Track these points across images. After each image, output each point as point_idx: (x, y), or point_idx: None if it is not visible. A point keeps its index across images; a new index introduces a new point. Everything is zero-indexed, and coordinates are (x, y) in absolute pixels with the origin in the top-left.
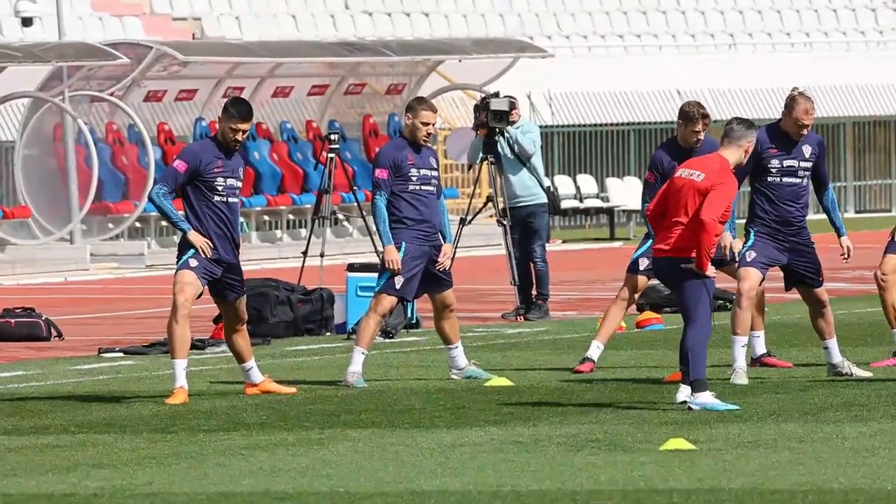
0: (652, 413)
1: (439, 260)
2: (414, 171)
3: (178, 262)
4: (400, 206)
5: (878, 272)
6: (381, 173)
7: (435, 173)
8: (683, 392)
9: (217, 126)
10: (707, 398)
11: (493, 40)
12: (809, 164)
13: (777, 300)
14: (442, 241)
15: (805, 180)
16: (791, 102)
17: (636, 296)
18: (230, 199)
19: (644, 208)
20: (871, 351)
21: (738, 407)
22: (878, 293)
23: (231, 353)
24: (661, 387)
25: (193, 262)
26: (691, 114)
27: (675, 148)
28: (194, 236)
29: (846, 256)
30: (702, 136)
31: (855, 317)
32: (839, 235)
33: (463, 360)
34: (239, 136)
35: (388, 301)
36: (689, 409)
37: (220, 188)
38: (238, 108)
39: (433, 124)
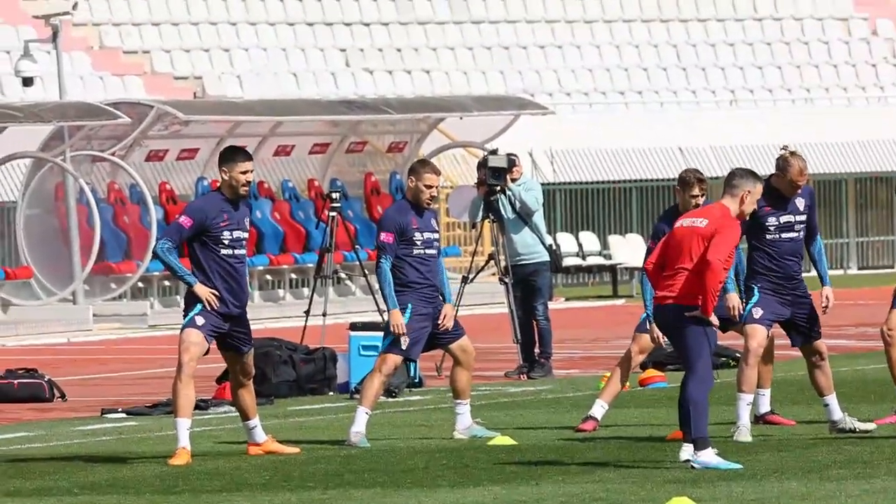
0: (655, 471)
1: (440, 322)
2: (418, 235)
3: (184, 319)
4: (405, 269)
5: (884, 328)
6: (386, 237)
7: (437, 235)
8: (686, 450)
9: (221, 178)
10: (709, 456)
11: (494, 97)
12: (804, 217)
13: (781, 358)
14: (442, 302)
15: (801, 233)
16: (784, 164)
17: (642, 356)
18: (237, 252)
19: (644, 273)
20: (874, 408)
21: (740, 466)
22: (882, 349)
23: (236, 410)
24: (664, 445)
25: (200, 320)
26: (687, 179)
27: (675, 216)
28: (200, 288)
29: (825, 307)
30: (700, 201)
31: (857, 373)
32: (822, 284)
33: (468, 419)
34: (249, 178)
35: (394, 361)
36: (692, 467)
37: (226, 241)
38: (240, 152)
39: (436, 187)
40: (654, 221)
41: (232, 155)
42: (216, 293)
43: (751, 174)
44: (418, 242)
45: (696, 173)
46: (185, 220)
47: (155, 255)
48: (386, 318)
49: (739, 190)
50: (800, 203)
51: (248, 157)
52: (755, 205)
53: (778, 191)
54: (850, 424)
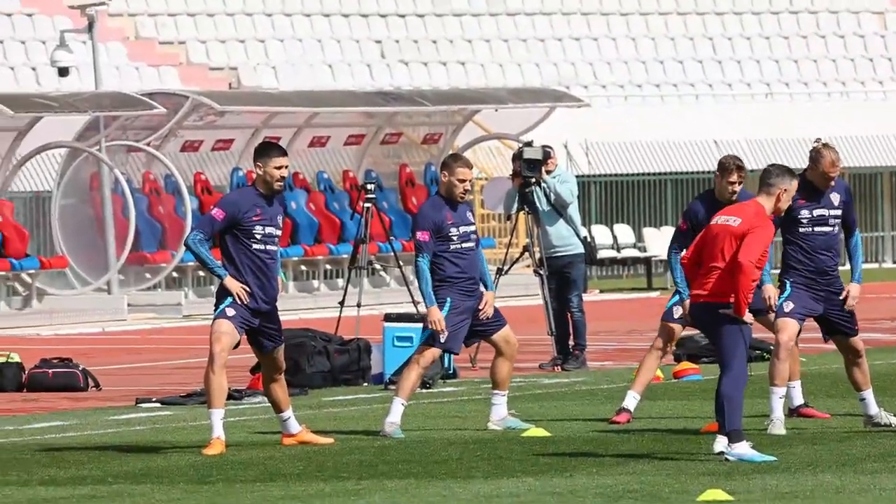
0: (689, 464)
1: (481, 308)
2: (454, 231)
3: (215, 311)
4: (443, 265)
5: None
6: (422, 236)
7: (472, 227)
8: (720, 443)
9: (255, 173)
10: (744, 449)
11: (529, 89)
12: (839, 212)
13: (814, 351)
14: (484, 291)
15: (836, 228)
16: (817, 155)
17: (671, 345)
18: (269, 247)
19: (670, 253)
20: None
21: (774, 458)
22: None
23: (269, 403)
24: (699, 437)
25: (230, 312)
26: (727, 164)
27: (711, 200)
28: (231, 282)
29: (843, 299)
30: (737, 189)
31: (893, 367)
32: (851, 280)
33: (504, 410)
34: (284, 174)
35: (432, 353)
36: (726, 459)
37: (258, 236)
38: (275, 147)
39: (469, 180)
40: None
41: (267, 150)
42: (246, 288)
43: (787, 171)
44: (454, 237)
45: (736, 160)
46: (217, 213)
47: (186, 247)
48: (422, 309)
49: (776, 188)
50: (834, 198)
51: (283, 153)
52: (790, 201)
53: (812, 184)
54: (886, 419)
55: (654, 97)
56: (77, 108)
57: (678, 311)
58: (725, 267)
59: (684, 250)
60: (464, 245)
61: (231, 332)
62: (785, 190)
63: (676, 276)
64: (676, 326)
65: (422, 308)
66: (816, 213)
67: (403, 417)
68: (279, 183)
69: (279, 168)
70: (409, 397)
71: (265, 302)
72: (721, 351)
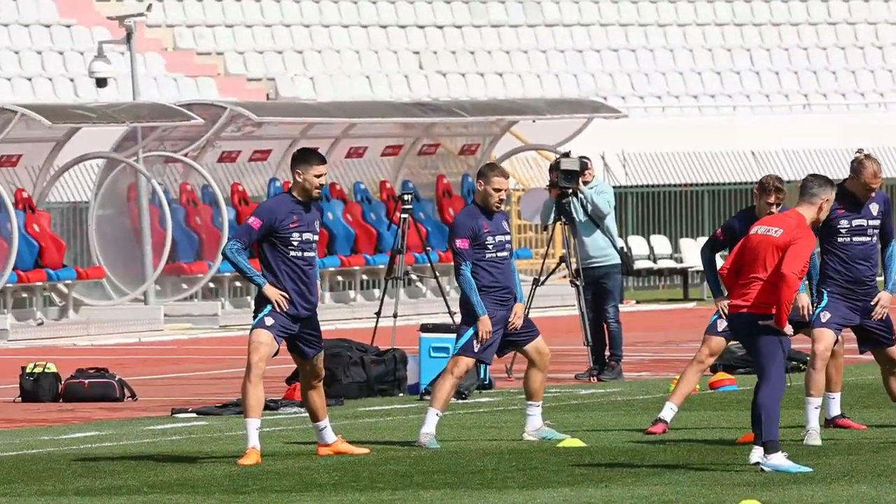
0: (724, 474)
1: (511, 320)
2: (490, 239)
3: (254, 320)
4: (478, 273)
5: None
6: (462, 244)
7: (508, 237)
8: (756, 453)
9: (293, 180)
10: (780, 460)
11: (566, 101)
12: (878, 223)
13: (851, 361)
14: (515, 302)
15: (874, 238)
16: (858, 166)
17: (713, 358)
18: (306, 254)
19: (703, 253)
20: None
21: (810, 469)
22: None
23: (306, 411)
24: (734, 448)
25: (269, 321)
26: (766, 185)
27: (750, 218)
28: (270, 290)
29: (874, 305)
30: (775, 210)
31: None
32: (884, 288)
33: (538, 420)
34: (322, 181)
35: (466, 363)
36: (762, 470)
37: (295, 243)
38: (314, 155)
39: (505, 190)
40: None
41: (306, 157)
42: (286, 295)
43: (827, 181)
44: (490, 246)
45: (776, 181)
46: (254, 222)
47: (224, 256)
48: (457, 319)
49: (818, 199)
50: (873, 208)
51: (323, 161)
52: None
53: (852, 194)
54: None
55: (691, 108)
56: (115, 119)
57: (722, 325)
58: (768, 278)
59: (717, 255)
60: (499, 254)
61: (269, 343)
62: (826, 200)
63: (712, 277)
64: (720, 339)
65: (458, 318)
66: (855, 223)
67: (438, 428)
68: (318, 191)
69: (318, 176)
70: (444, 407)
71: (305, 308)
72: (759, 360)
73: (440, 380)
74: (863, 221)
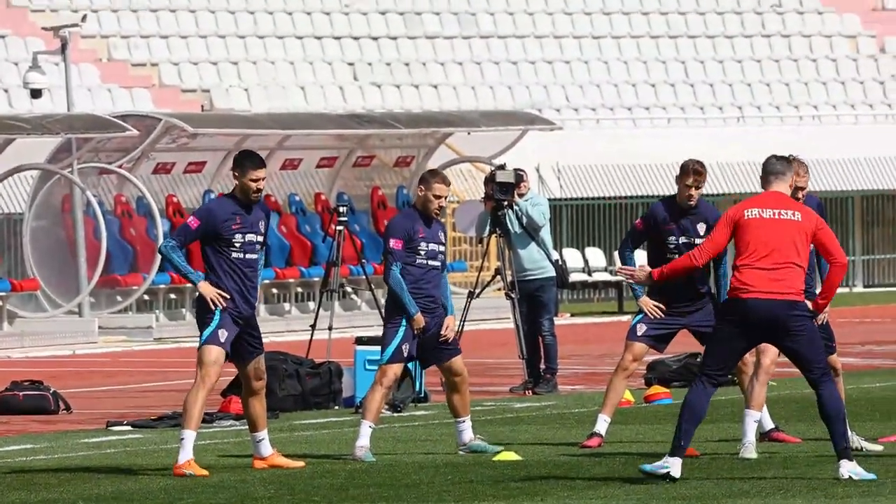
0: (660, 488)
1: (442, 332)
2: (423, 245)
3: (202, 334)
4: (405, 278)
5: None
6: (395, 244)
7: (442, 248)
8: (847, 467)
9: (235, 183)
10: (855, 465)
11: (501, 113)
12: None
13: (786, 374)
14: (444, 314)
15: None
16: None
17: (636, 364)
18: (248, 255)
19: (623, 252)
20: (880, 426)
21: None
22: (892, 367)
23: (245, 421)
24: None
25: (222, 335)
26: (685, 166)
27: (672, 205)
28: (205, 286)
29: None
30: (693, 193)
31: (863, 391)
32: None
33: (469, 434)
34: (260, 185)
35: (394, 371)
36: (851, 479)
37: (237, 244)
38: (252, 158)
39: (445, 197)
40: None
41: (244, 161)
42: (224, 294)
43: (787, 158)
44: (422, 252)
45: (696, 164)
46: (192, 221)
47: (160, 253)
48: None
49: (788, 174)
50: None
51: (262, 164)
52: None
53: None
54: (858, 443)
55: (625, 120)
56: (49, 130)
57: (642, 329)
58: (803, 264)
59: (636, 249)
60: (429, 262)
61: (219, 361)
62: (794, 174)
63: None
64: (641, 345)
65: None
66: None
67: (374, 441)
68: (255, 195)
69: (255, 180)
70: (377, 419)
71: (246, 307)
72: (811, 354)
73: (370, 392)
74: None
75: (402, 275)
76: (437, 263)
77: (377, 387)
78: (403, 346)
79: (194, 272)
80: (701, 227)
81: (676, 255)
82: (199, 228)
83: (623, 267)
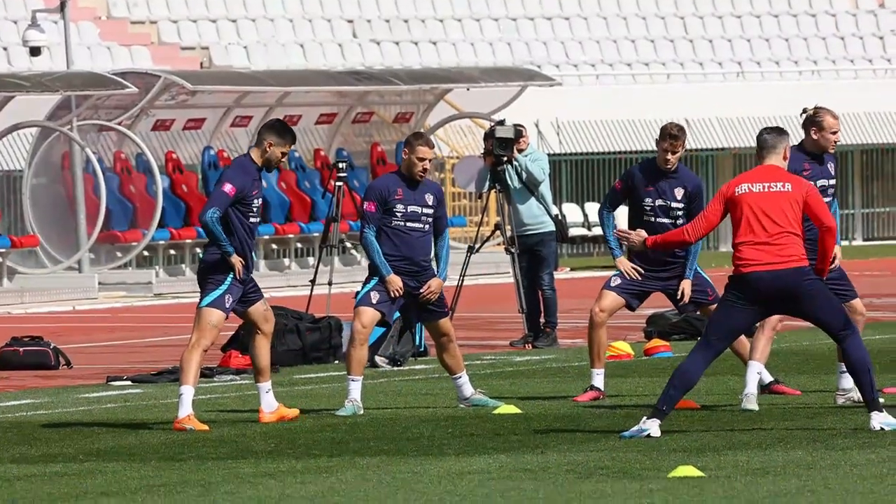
0: (660, 440)
1: (422, 292)
2: (400, 207)
3: (208, 294)
4: (381, 239)
5: None
6: (369, 206)
7: (428, 210)
8: (878, 418)
9: (260, 147)
10: (886, 416)
11: (500, 69)
12: (835, 182)
13: (786, 328)
14: (430, 276)
15: (834, 199)
16: (819, 119)
17: (605, 314)
18: (258, 219)
19: (601, 212)
20: (880, 378)
21: None
22: (894, 320)
23: (252, 370)
24: (670, 414)
25: (228, 301)
26: (662, 129)
27: (651, 167)
28: (236, 260)
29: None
30: (669, 157)
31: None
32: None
33: (469, 388)
34: (285, 158)
35: (368, 314)
36: (882, 429)
37: (255, 208)
38: (290, 132)
39: (430, 160)
40: None
41: (281, 132)
42: (242, 261)
43: (780, 129)
44: (398, 214)
45: (674, 128)
46: (229, 189)
47: (203, 224)
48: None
49: (780, 147)
50: (831, 167)
51: (294, 139)
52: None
53: (811, 154)
54: (858, 395)
55: (625, 76)
56: (48, 88)
57: (616, 281)
58: (798, 232)
59: (615, 209)
60: (407, 224)
61: (219, 325)
62: (787, 146)
63: (608, 234)
64: (613, 295)
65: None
66: (820, 183)
67: (376, 395)
68: (278, 164)
69: (285, 154)
70: (361, 372)
71: (251, 268)
72: (826, 313)
73: (349, 348)
74: (825, 182)
75: (379, 238)
76: (420, 225)
77: (355, 336)
78: (372, 294)
79: (229, 243)
80: (678, 192)
81: (652, 218)
82: (234, 195)
83: (622, 230)
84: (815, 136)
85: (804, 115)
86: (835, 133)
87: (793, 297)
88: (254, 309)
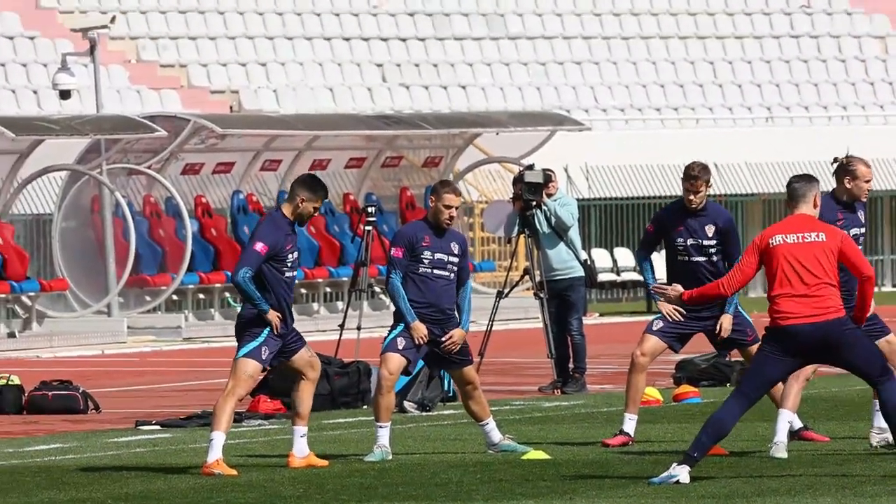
0: (689, 486)
1: (445, 342)
2: (427, 254)
3: (245, 345)
4: (407, 286)
5: None
6: (396, 252)
7: (454, 259)
8: None
9: (293, 202)
10: None
11: (530, 113)
12: (865, 230)
13: (817, 374)
14: (453, 326)
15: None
16: (852, 168)
17: (647, 358)
18: (294, 273)
19: (639, 259)
20: None
21: None
22: None
23: (292, 410)
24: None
25: (265, 352)
26: (686, 170)
27: (680, 208)
28: (273, 316)
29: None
30: (692, 198)
31: None
32: None
33: (497, 434)
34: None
35: (395, 360)
36: None
37: (289, 263)
38: (322, 186)
39: (456, 207)
40: None
41: (318, 188)
42: (280, 316)
43: (810, 177)
44: (425, 261)
45: (696, 168)
46: (261, 248)
47: (236, 284)
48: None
49: (811, 195)
50: (861, 215)
51: (326, 194)
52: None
53: (843, 202)
54: (891, 440)
55: (654, 121)
56: (78, 131)
57: (658, 325)
58: (833, 282)
59: (652, 252)
60: (434, 271)
61: (256, 376)
62: (818, 195)
63: (648, 277)
64: (655, 339)
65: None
66: (853, 232)
67: (404, 440)
68: (308, 219)
69: (317, 208)
70: (388, 418)
71: (289, 320)
72: (869, 360)
73: (376, 394)
74: (857, 231)
75: (405, 283)
76: (446, 273)
77: (381, 389)
78: (398, 340)
79: (265, 301)
80: (709, 229)
81: (686, 258)
82: (267, 254)
83: (657, 285)
84: (848, 185)
85: (836, 164)
86: (868, 182)
87: (832, 348)
88: (297, 357)
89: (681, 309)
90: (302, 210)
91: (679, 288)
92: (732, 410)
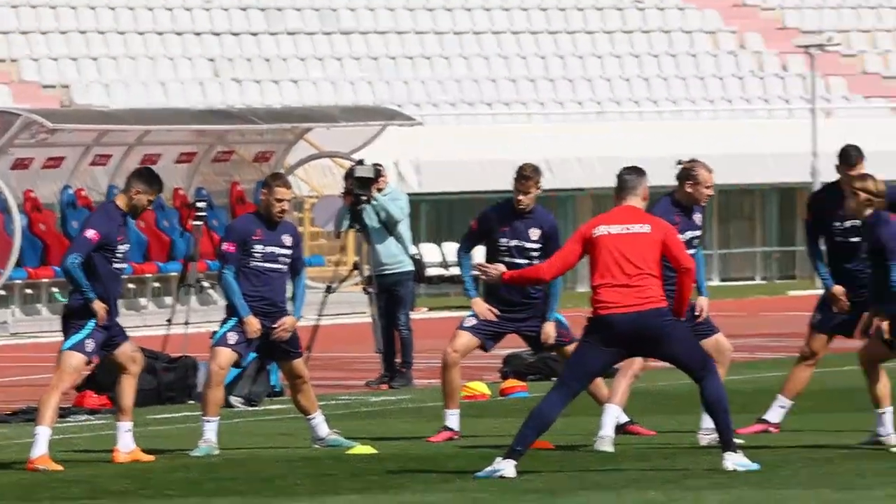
0: (515, 481)
1: (276, 331)
2: (259, 248)
3: (71, 338)
4: (240, 280)
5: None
6: (228, 247)
7: (286, 251)
8: (732, 459)
9: (126, 194)
10: (741, 457)
11: (361, 108)
12: (701, 232)
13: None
14: (285, 315)
15: (699, 249)
16: (693, 173)
17: (458, 355)
18: (124, 266)
19: (460, 254)
20: (735, 419)
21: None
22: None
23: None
24: (526, 454)
25: (89, 345)
26: (517, 170)
27: (507, 207)
28: (98, 305)
29: (698, 316)
30: (523, 198)
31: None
32: (699, 294)
33: (324, 429)
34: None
35: (224, 355)
36: (735, 471)
37: (119, 254)
38: (158, 180)
39: (288, 200)
40: None
41: (150, 180)
42: (105, 307)
43: (641, 170)
44: (257, 255)
45: (528, 169)
46: (93, 235)
47: (65, 269)
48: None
49: (641, 187)
50: (697, 219)
51: (161, 188)
52: None
53: (682, 206)
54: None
55: (485, 116)
56: None
57: (471, 322)
58: (656, 273)
59: (472, 249)
60: (265, 265)
61: (79, 369)
62: (646, 186)
63: (465, 274)
64: (467, 335)
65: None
66: (687, 235)
67: (230, 435)
68: (142, 211)
69: (151, 202)
70: (217, 413)
71: (114, 313)
72: (688, 352)
73: (205, 389)
74: (692, 233)
75: (238, 277)
76: (278, 266)
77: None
78: (229, 335)
79: (91, 290)
80: (533, 233)
81: (507, 258)
82: (98, 241)
83: (481, 264)
84: (689, 190)
85: (679, 167)
86: (709, 187)
87: (651, 339)
88: (120, 351)
89: (494, 309)
90: (136, 202)
91: (501, 267)
92: (555, 402)
